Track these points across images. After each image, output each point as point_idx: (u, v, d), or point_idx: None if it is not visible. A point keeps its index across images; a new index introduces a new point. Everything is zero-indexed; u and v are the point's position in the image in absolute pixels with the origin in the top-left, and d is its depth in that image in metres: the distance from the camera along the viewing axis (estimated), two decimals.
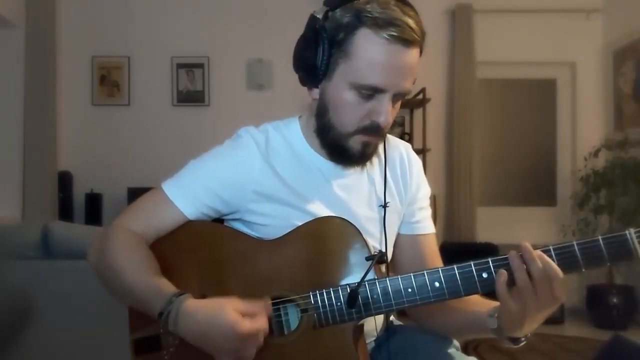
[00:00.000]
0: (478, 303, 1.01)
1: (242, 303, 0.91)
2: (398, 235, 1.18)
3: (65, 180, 4.28)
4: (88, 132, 4.47)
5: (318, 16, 1.00)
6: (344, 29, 0.97)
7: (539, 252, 0.89)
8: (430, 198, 1.23)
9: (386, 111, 0.99)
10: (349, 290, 0.95)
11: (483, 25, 4.44)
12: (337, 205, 1.08)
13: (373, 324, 1.10)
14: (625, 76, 4.28)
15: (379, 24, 0.94)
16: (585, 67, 4.57)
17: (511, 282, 0.89)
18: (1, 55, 4.13)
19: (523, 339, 0.96)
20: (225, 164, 1.07)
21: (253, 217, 1.08)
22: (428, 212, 1.21)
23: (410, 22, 0.95)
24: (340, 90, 1.00)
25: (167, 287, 0.95)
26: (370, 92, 0.98)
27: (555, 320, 3.93)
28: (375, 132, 1.02)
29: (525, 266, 0.88)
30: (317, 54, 0.99)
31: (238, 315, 0.89)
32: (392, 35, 0.94)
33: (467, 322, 1.04)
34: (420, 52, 1.01)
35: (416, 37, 0.96)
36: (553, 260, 0.88)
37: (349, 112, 1.01)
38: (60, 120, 4.34)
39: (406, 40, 0.94)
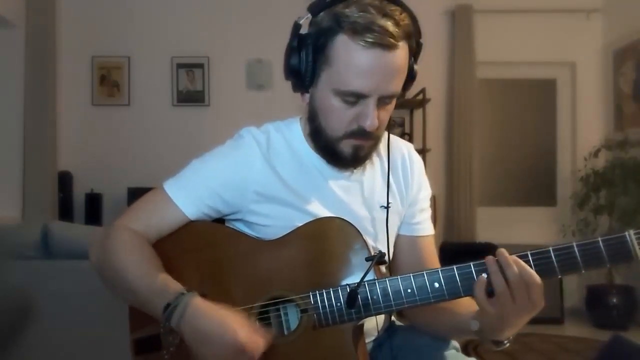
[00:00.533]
0: (466, 305, 1.01)
1: (247, 320, 0.92)
2: (397, 235, 1.18)
3: (65, 180, 4.28)
4: (88, 132, 4.47)
5: (301, 22, 1.00)
6: (324, 35, 0.97)
7: (514, 257, 0.89)
8: (430, 198, 1.22)
9: (372, 116, 0.98)
10: (348, 291, 0.95)
11: (483, 25, 4.44)
12: (337, 206, 1.08)
13: (373, 324, 1.10)
14: (625, 76, 4.28)
15: (356, 30, 0.93)
16: (585, 67, 4.57)
17: (490, 287, 0.89)
18: (1, 55, 4.12)
19: (505, 341, 0.97)
20: (227, 165, 1.07)
21: (254, 217, 1.08)
22: (428, 213, 1.21)
23: (389, 24, 0.93)
24: (326, 97, 1.00)
25: (175, 284, 0.96)
26: (353, 99, 0.98)
27: (555, 320, 3.94)
28: (363, 136, 1.01)
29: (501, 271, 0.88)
30: (301, 61, 1.00)
31: (241, 326, 0.90)
32: (368, 41, 0.93)
33: (453, 324, 1.05)
34: (416, 49, 1.01)
35: (393, 41, 0.93)
36: (552, 261, 0.89)
37: (336, 117, 1.01)
38: (60, 120, 4.34)
39: (383, 45, 0.93)
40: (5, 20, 3.97)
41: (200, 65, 4.49)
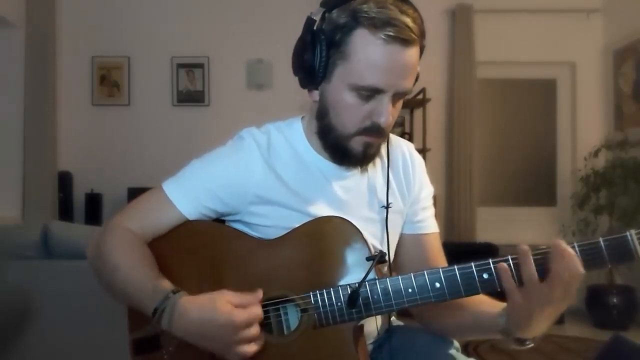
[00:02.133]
0: (488, 303, 1.01)
1: (233, 295, 0.93)
2: (401, 235, 1.17)
3: (65, 180, 4.28)
4: (88, 132, 4.47)
5: (315, 18, 0.99)
6: (341, 30, 0.96)
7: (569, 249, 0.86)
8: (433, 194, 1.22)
9: (387, 112, 0.98)
10: (349, 291, 0.95)
11: (483, 25, 4.44)
12: (339, 207, 1.07)
13: (373, 325, 1.09)
14: (625, 76, 4.28)
15: (375, 24, 0.93)
16: (585, 67, 4.57)
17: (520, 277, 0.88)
18: (1, 55, 4.13)
19: (529, 341, 0.96)
20: (227, 167, 1.07)
21: (253, 218, 1.08)
22: (431, 211, 1.20)
23: (408, 20, 0.94)
24: (340, 92, 0.99)
25: (164, 284, 0.96)
26: (369, 93, 0.97)
27: (555, 320, 3.93)
28: (376, 132, 1.01)
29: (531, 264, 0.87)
30: (315, 56, 0.99)
31: (231, 307, 0.91)
32: (389, 35, 0.93)
33: (478, 322, 1.03)
34: (422, 50, 1.01)
35: (414, 36, 0.94)
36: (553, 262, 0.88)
37: (349, 113, 1.00)
38: (60, 120, 4.34)
39: (404, 39, 0.93)
40: (5, 20, 3.97)
41: (200, 65, 4.49)
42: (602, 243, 0.87)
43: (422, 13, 1.00)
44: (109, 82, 4.49)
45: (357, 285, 0.95)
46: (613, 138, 4.26)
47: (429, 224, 1.18)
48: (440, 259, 1.16)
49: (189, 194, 1.06)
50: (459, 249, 3.93)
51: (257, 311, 0.92)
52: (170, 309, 0.91)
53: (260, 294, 0.95)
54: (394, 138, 1.18)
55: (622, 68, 4.31)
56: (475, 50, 4.43)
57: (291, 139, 1.11)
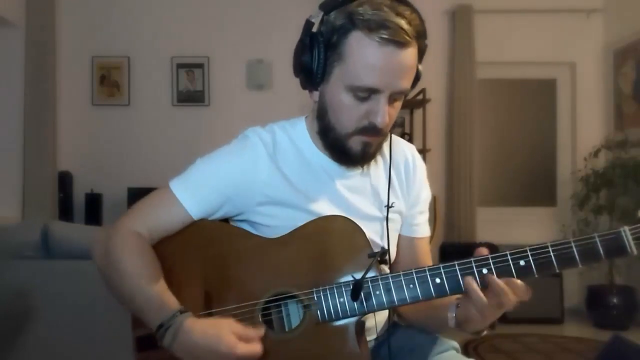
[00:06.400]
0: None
1: (239, 327, 0.94)
2: (398, 235, 1.19)
3: (65, 180, 4.28)
4: (88, 132, 4.47)
5: (313, 20, 1.02)
6: (337, 32, 0.99)
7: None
8: (430, 199, 1.25)
9: (383, 112, 1.00)
10: (351, 286, 0.96)
11: (483, 25, 4.44)
12: (343, 206, 1.09)
13: (373, 323, 1.10)
14: (625, 76, 4.29)
15: (370, 27, 0.95)
16: (585, 67, 4.57)
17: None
18: (1, 55, 4.12)
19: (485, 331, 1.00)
20: (234, 166, 1.08)
21: (259, 218, 1.09)
22: (427, 215, 1.23)
23: (403, 23, 0.95)
24: (337, 93, 1.02)
25: (171, 301, 0.96)
26: (365, 94, 0.99)
27: (555, 320, 3.94)
28: (373, 132, 1.03)
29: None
30: (313, 58, 1.01)
31: (235, 338, 0.91)
32: (383, 37, 0.95)
33: (430, 317, 1.08)
34: (422, 51, 1.03)
35: (408, 38, 0.96)
36: (551, 257, 0.92)
37: (347, 113, 1.02)
38: (60, 120, 4.34)
39: (398, 42, 0.95)
40: (5, 20, 3.97)
41: (200, 65, 4.49)
42: (597, 239, 0.92)
43: (422, 13, 1.01)
44: (109, 82, 4.49)
45: (360, 278, 0.96)
46: (613, 138, 4.26)
47: (424, 229, 1.22)
48: (427, 261, 1.20)
49: (197, 194, 1.06)
50: (459, 249, 3.97)
51: (258, 348, 0.93)
52: (174, 329, 0.92)
53: (262, 330, 0.96)
54: (396, 139, 1.20)
55: (622, 68, 4.31)
56: (475, 51, 4.43)
57: (295, 139, 1.12)
